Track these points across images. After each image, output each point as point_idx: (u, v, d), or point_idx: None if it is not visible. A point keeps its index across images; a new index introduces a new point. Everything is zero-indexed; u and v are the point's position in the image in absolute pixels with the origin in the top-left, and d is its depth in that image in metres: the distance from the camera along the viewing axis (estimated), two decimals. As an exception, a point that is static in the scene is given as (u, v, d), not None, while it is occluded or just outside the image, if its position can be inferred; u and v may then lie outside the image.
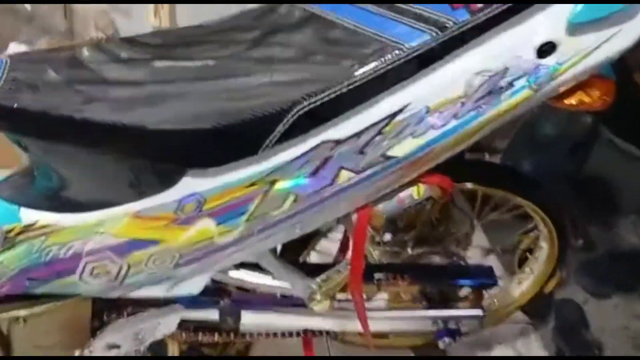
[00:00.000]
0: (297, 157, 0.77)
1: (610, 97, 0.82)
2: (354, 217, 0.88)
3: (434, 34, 0.71)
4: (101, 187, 0.83)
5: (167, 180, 0.79)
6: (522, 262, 1.24)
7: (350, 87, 0.72)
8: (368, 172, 0.78)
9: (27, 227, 0.85)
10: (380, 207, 0.88)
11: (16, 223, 0.85)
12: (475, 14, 0.71)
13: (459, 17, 0.72)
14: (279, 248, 1.00)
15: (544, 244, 1.19)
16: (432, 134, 0.76)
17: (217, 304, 1.06)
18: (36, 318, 0.98)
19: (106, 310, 1.00)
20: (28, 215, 0.85)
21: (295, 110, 0.72)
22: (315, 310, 0.98)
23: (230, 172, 0.77)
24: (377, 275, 1.09)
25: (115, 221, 0.83)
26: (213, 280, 0.99)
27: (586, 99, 0.81)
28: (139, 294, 0.94)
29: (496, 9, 0.72)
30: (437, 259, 1.14)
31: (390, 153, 0.77)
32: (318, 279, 0.97)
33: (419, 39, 0.72)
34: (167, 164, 0.77)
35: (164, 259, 0.85)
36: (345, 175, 0.78)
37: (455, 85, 0.75)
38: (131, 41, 0.86)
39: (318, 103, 0.72)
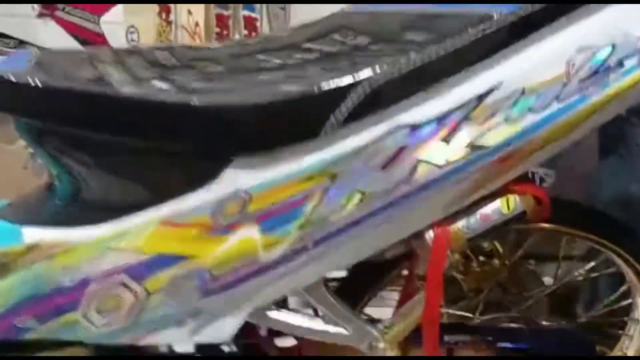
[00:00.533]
0: (365, 145, 0.63)
1: None
2: (429, 236, 0.72)
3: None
4: (122, 189, 0.69)
5: (207, 174, 0.65)
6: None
7: (431, 59, 0.61)
8: (452, 166, 0.64)
9: (30, 248, 0.70)
10: (461, 224, 0.72)
11: (17, 243, 0.71)
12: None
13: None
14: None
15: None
16: (530, 119, 0.63)
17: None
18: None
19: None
20: (32, 234, 0.71)
21: (366, 83, 0.60)
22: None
23: (283, 161, 0.63)
24: (446, 338, 0.89)
25: (137, 232, 0.67)
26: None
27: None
28: (152, 340, 0.75)
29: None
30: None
31: (479, 142, 0.63)
32: (381, 325, 0.78)
33: (510, 7, 0.62)
34: (210, 149, 0.64)
35: (192, 282, 0.68)
36: (424, 169, 0.63)
37: (555, 63, 0.63)
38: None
39: (394, 76, 0.60)
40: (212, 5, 1.57)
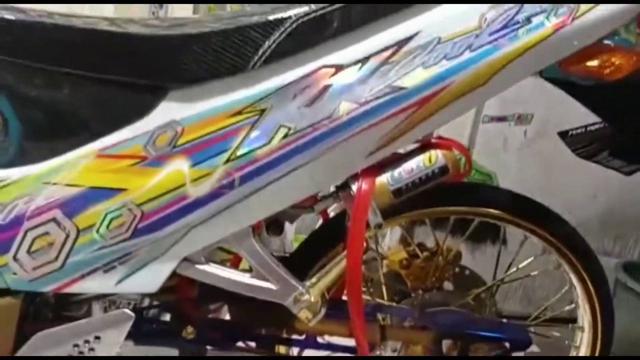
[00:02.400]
0: (292, 82, 0.67)
1: (629, 68, 0.75)
2: (355, 186, 0.74)
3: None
4: (63, 127, 0.72)
5: (144, 105, 0.69)
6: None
7: (354, 4, 0.66)
8: (372, 104, 0.67)
9: (-31, 187, 0.73)
10: (386, 176, 0.75)
11: (-44, 184, 0.73)
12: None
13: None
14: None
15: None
16: (445, 65, 0.68)
17: (176, 339, 0.85)
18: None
19: (36, 315, 0.80)
20: (-27, 175, 0.73)
21: (293, 19, 0.66)
22: (301, 318, 0.77)
23: (214, 95, 0.68)
24: (381, 315, 0.89)
25: (73, 165, 0.70)
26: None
27: (605, 65, 0.74)
28: (79, 287, 0.75)
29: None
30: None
31: (398, 83, 0.67)
32: (308, 281, 0.78)
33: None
34: (148, 79, 0.67)
35: (121, 220, 0.70)
36: (346, 106, 0.67)
37: (468, 17, 0.69)
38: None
39: (319, 13, 0.66)
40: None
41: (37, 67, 0.70)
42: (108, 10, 2.06)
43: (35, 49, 0.70)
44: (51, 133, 0.73)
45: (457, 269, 1.07)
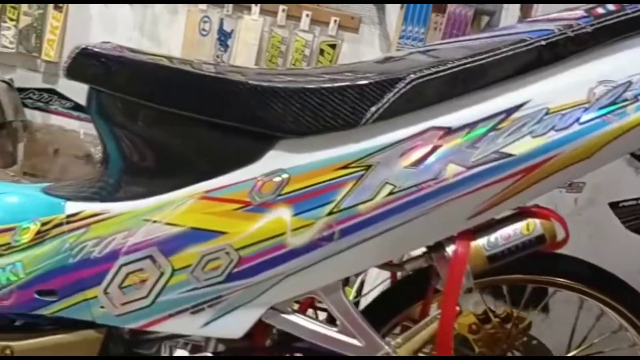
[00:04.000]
0: (401, 141, 0.68)
1: None
2: (450, 249, 0.74)
3: (558, 30, 0.69)
4: (170, 167, 0.74)
5: (251, 153, 0.70)
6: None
7: (468, 65, 0.68)
8: (479, 169, 0.68)
9: (69, 218, 0.75)
10: (482, 240, 0.74)
11: (57, 214, 0.75)
12: (596, 18, 0.70)
13: (582, 21, 0.71)
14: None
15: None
16: (553, 136, 0.68)
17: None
18: (27, 354, 0.78)
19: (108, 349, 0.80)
20: (74, 207, 0.75)
21: (409, 79, 0.67)
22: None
23: (323, 147, 0.69)
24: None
25: (175, 205, 0.71)
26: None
27: None
28: (164, 326, 0.75)
29: (615, 17, 0.71)
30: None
31: (506, 150, 0.68)
32: (394, 340, 0.77)
33: (542, 32, 0.70)
34: (259, 128, 0.69)
35: (218, 262, 0.70)
36: (452, 169, 0.68)
37: (577, 90, 0.70)
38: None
39: (435, 76, 0.67)
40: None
41: (147, 106, 0.73)
42: (175, 50, 2.14)
43: (149, 89, 0.72)
44: (155, 171, 0.75)
45: (525, 338, 1.05)
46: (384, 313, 0.89)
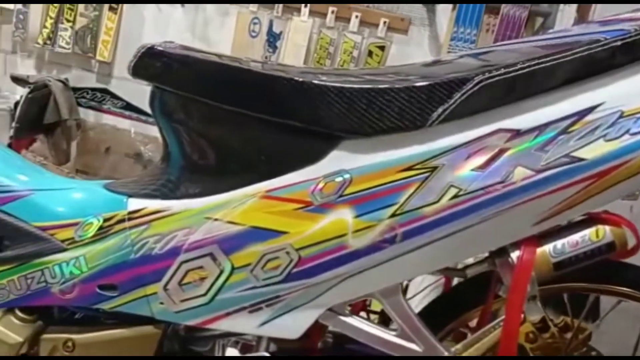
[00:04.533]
0: (467, 142, 0.66)
1: None
2: (515, 254, 0.71)
3: (634, 30, 0.67)
4: (231, 166, 0.74)
5: (313, 153, 0.69)
6: None
7: (539, 66, 0.66)
8: (549, 173, 0.65)
9: (131, 214, 0.76)
10: (549, 247, 0.72)
11: (120, 210, 0.76)
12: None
13: (661, 21, 0.68)
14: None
15: None
16: (627, 140, 0.65)
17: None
18: (87, 348, 0.79)
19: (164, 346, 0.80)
20: (136, 204, 0.76)
21: (477, 79, 0.65)
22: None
23: (388, 148, 0.68)
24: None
25: (236, 204, 0.71)
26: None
27: None
28: (222, 324, 0.76)
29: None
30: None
31: (577, 154, 0.65)
32: (454, 346, 0.75)
33: (617, 32, 0.67)
34: (323, 127, 0.68)
35: (278, 262, 0.70)
36: (521, 172, 0.65)
37: None
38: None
39: (504, 77, 0.65)
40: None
41: (211, 105, 0.73)
42: (224, 52, 2.16)
43: (213, 88, 0.72)
44: (216, 170, 0.75)
45: (584, 349, 1.01)
46: (440, 318, 0.87)
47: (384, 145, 0.68)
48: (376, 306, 0.98)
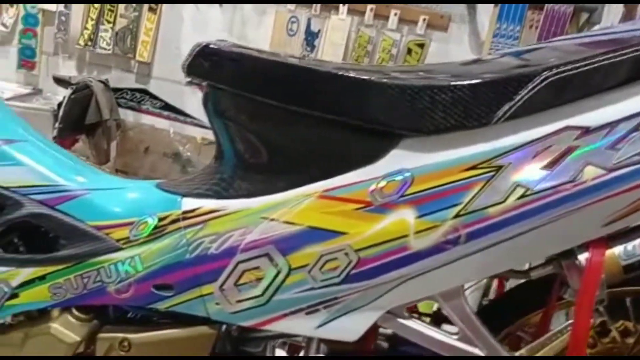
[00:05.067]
0: (534, 140, 0.64)
1: None
2: (583, 257, 0.69)
3: None
4: (288, 165, 0.73)
5: (373, 152, 0.68)
6: None
7: (608, 61, 0.63)
8: (621, 172, 0.62)
9: (185, 214, 0.75)
10: (619, 249, 0.69)
11: (174, 210, 0.75)
12: None
13: None
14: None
15: None
16: None
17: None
18: (143, 347, 0.79)
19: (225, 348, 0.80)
20: (190, 203, 0.76)
21: (544, 75, 0.63)
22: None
23: (451, 146, 0.66)
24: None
25: (293, 203, 0.70)
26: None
27: None
28: (279, 326, 0.75)
29: None
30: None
31: (651, 153, 0.63)
32: (523, 350, 0.73)
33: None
34: (382, 126, 0.67)
35: (336, 263, 0.69)
36: (591, 171, 0.63)
37: None
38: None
39: (571, 73, 0.63)
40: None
41: (267, 104, 0.72)
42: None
43: (270, 86, 0.71)
44: (272, 169, 0.74)
45: (644, 356, 0.97)
46: (497, 321, 0.85)
47: (447, 144, 0.66)
48: (423, 308, 0.97)
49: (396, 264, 0.68)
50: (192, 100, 2.26)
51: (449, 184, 0.66)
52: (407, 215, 0.67)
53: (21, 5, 2.22)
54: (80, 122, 2.04)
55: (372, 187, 0.68)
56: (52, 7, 2.22)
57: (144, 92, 2.29)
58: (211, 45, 0.75)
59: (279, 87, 0.71)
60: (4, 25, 2.25)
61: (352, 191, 0.68)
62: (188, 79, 2.30)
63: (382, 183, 0.67)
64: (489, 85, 0.63)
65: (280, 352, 0.94)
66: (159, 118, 2.30)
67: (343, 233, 0.68)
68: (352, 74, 0.67)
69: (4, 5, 2.23)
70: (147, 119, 2.32)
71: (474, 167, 0.65)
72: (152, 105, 2.28)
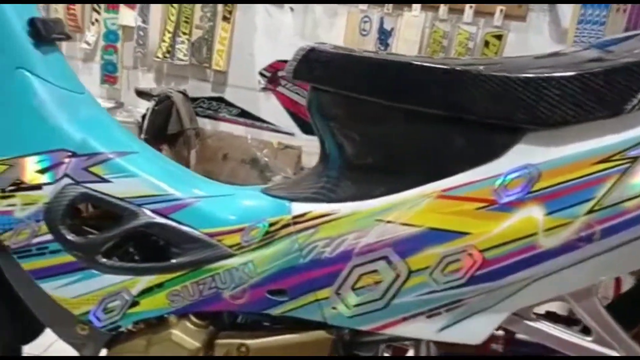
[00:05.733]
0: (674, 128, 0.61)
1: None
2: None
3: None
4: (400, 166, 0.72)
5: (494, 148, 0.66)
6: None
7: None
8: None
9: (296, 219, 0.75)
10: None
11: (284, 215, 0.75)
12: None
13: None
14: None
15: None
16: None
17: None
18: (261, 353, 0.79)
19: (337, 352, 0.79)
20: (300, 208, 0.75)
21: (686, 57, 0.59)
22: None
23: (581, 138, 0.62)
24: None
25: (410, 205, 0.69)
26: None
27: None
28: (398, 330, 0.73)
29: None
30: None
31: None
32: (654, 353, 0.69)
33: None
34: (503, 120, 0.64)
35: (459, 264, 0.67)
36: None
37: None
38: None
39: None
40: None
41: (380, 104, 0.71)
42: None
43: (383, 86, 0.70)
44: (385, 171, 0.73)
45: None
46: (628, 319, 0.80)
47: (575, 136, 0.63)
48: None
49: (524, 263, 0.65)
50: (267, 106, 2.29)
51: (579, 179, 0.62)
52: (535, 213, 0.64)
53: (102, 23, 2.31)
54: (163, 132, 2.10)
55: (496, 184, 0.65)
56: (131, 22, 2.29)
57: (220, 100, 2.34)
58: (317, 48, 0.74)
59: (392, 87, 0.69)
60: (87, 43, 2.35)
61: (474, 189, 0.66)
62: (262, 86, 2.34)
63: (507, 180, 0.65)
64: (623, 72, 0.60)
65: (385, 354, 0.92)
66: (235, 125, 2.34)
67: (466, 233, 0.66)
68: (470, 69, 0.65)
69: (86, 24, 2.33)
70: (224, 127, 2.36)
71: (606, 160, 0.62)
72: (228, 113, 2.32)
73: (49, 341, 0.98)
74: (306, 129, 2.18)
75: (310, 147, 2.26)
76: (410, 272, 0.69)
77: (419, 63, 0.68)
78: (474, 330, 0.70)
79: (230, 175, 2.33)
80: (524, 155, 0.64)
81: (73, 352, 0.87)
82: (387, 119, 0.71)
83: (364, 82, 0.71)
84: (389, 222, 0.70)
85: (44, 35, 0.83)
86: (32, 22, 0.82)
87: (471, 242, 0.66)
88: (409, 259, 0.69)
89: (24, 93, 0.81)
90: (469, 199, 0.66)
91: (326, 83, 0.74)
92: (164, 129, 2.10)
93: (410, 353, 0.95)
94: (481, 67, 0.65)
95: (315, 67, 0.74)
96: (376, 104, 0.71)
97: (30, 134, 0.81)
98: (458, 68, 0.65)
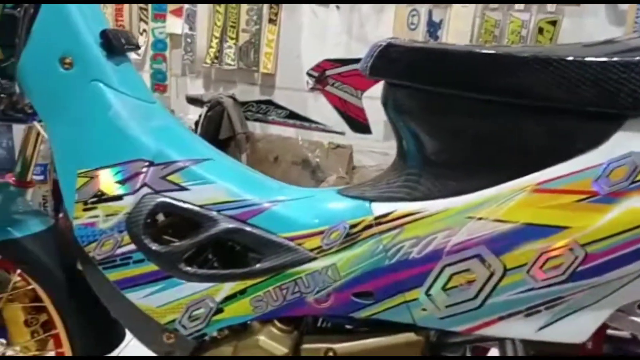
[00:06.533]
0: None
1: None
2: None
3: None
4: (489, 160, 0.69)
5: (595, 135, 0.62)
6: None
7: None
8: None
9: (379, 219, 0.73)
10: None
11: (365, 216, 0.74)
12: None
13: None
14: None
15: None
16: None
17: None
18: (349, 357, 0.78)
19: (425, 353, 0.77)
20: (381, 208, 0.74)
21: None
22: None
23: (690, 122, 0.59)
24: None
25: (503, 200, 0.66)
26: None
27: None
28: (494, 330, 0.71)
29: None
30: None
31: None
32: None
33: None
34: (602, 107, 0.61)
35: (559, 260, 0.64)
36: None
37: None
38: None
39: None
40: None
41: (465, 97, 0.69)
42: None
43: (464, 79, 0.68)
44: (473, 166, 0.70)
45: None
46: None
47: None
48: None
49: (630, 258, 0.62)
50: (316, 106, 2.27)
51: None
52: (640, 204, 0.61)
53: (150, 32, 2.34)
54: (215, 137, 2.11)
55: (596, 175, 0.62)
56: (178, 30, 2.32)
57: (269, 102, 2.33)
58: (393, 43, 0.72)
59: (477, 79, 0.67)
60: (136, 53, 2.38)
61: (573, 181, 0.63)
62: (310, 86, 2.31)
63: (608, 170, 0.61)
64: None
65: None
66: (285, 127, 2.33)
67: (565, 227, 0.63)
68: (562, 56, 0.62)
69: (135, 34, 2.36)
70: (273, 129, 2.36)
71: None
72: (277, 115, 2.32)
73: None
74: (356, 127, 2.16)
75: (361, 146, 2.24)
76: (506, 270, 0.67)
77: (503, 53, 0.66)
78: (576, 328, 0.67)
79: (282, 177, 2.31)
80: (626, 142, 0.61)
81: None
82: (474, 112, 0.69)
83: (451, 76, 0.69)
84: (480, 218, 0.67)
85: (116, 46, 0.83)
86: (104, 34, 0.83)
87: (571, 236, 0.63)
88: (503, 257, 0.66)
89: (100, 105, 0.82)
90: (567, 191, 0.63)
91: (406, 78, 0.72)
92: (216, 135, 2.11)
93: (492, 352, 0.93)
94: (579, 53, 0.62)
95: (393, 62, 0.72)
96: (462, 97, 0.68)
97: (108, 145, 0.82)
98: (553, 56, 0.63)
